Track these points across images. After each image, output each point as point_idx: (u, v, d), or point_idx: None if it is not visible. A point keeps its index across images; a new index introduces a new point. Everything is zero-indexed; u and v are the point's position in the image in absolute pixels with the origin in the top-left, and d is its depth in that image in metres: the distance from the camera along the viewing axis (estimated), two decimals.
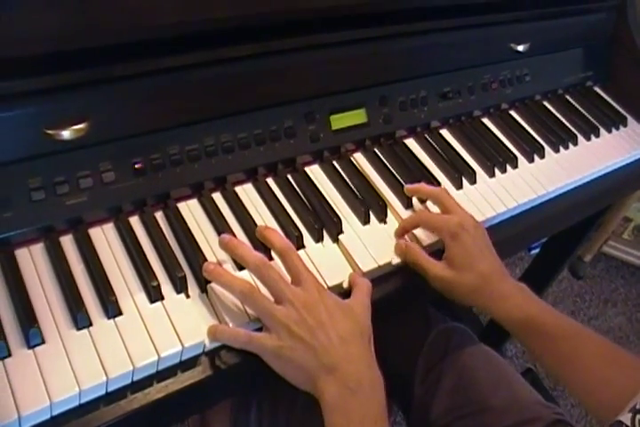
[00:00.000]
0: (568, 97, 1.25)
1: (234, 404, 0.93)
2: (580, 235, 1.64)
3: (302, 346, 0.66)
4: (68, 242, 0.71)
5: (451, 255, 0.81)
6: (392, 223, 0.87)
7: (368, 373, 0.68)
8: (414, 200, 0.90)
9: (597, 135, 1.19)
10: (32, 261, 0.69)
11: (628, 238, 2.31)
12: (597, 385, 0.74)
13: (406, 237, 0.86)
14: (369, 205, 0.87)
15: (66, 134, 0.66)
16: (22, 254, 0.69)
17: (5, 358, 0.60)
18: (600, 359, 0.75)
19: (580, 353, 0.76)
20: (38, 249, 0.70)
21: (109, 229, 0.74)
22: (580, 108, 1.23)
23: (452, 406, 0.94)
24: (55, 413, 0.60)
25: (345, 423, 0.65)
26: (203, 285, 0.72)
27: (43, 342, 0.63)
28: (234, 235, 0.77)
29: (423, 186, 0.89)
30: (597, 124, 1.21)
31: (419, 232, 0.86)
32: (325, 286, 0.75)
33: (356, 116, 0.92)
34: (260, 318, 0.69)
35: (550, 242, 1.76)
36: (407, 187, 0.90)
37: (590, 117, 1.22)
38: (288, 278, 0.71)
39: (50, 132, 0.65)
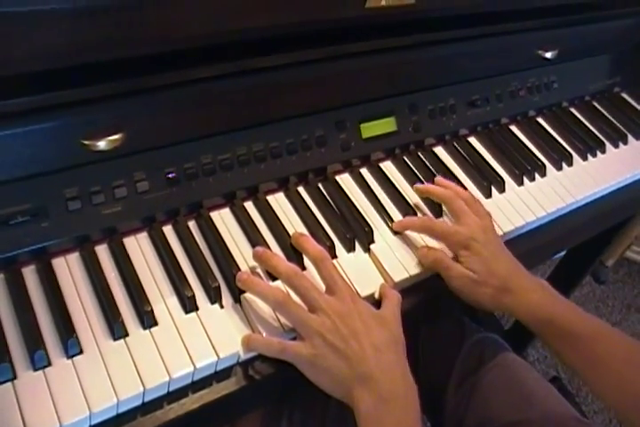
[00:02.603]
0: (595, 103, 1.24)
1: (264, 415, 0.92)
2: (605, 240, 1.63)
3: (336, 355, 0.66)
4: (103, 251, 0.72)
5: (466, 264, 0.80)
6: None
7: (402, 382, 0.68)
8: (444, 209, 0.90)
9: (625, 143, 1.19)
10: (68, 270, 0.69)
11: None
12: (624, 387, 0.73)
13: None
14: (400, 215, 0.87)
15: (102, 145, 0.66)
16: (59, 264, 0.69)
17: (45, 367, 0.61)
18: (627, 360, 0.74)
19: (607, 354, 0.75)
20: (74, 258, 0.70)
21: (143, 238, 0.74)
22: (607, 115, 1.22)
23: (485, 418, 0.91)
24: (94, 422, 0.61)
25: None
26: (236, 294, 0.72)
27: (81, 352, 0.63)
28: (266, 244, 0.77)
29: (434, 187, 0.89)
30: (625, 132, 1.20)
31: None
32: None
33: (386, 125, 0.92)
34: (293, 328, 0.69)
35: (573, 248, 1.74)
36: (417, 186, 0.90)
37: (618, 124, 1.21)
38: (322, 287, 0.71)
39: (87, 142, 0.65)
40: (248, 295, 0.71)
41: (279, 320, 0.71)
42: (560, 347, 0.78)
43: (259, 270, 0.75)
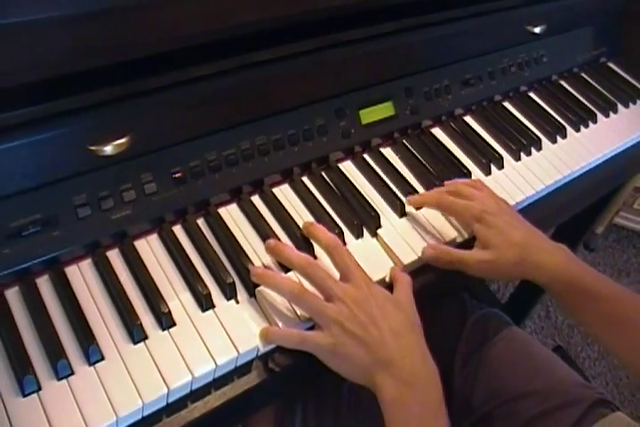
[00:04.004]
0: (584, 75, 1.24)
1: (278, 408, 0.92)
2: (596, 210, 1.64)
3: (356, 342, 0.66)
4: (115, 256, 0.71)
5: (483, 238, 0.80)
6: (428, 213, 0.86)
7: (423, 365, 0.68)
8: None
9: (615, 111, 1.20)
10: (82, 277, 0.69)
11: (638, 208, 2.30)
12: None
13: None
14: (404, 197, 0.87)
15: (109, 150, 0.66)
16: (72, 272, 0.69)
17: (69, 376, 0.61)
18: None
19: (629, 314, 0.76)
20: (87, 265, 0.70)
21: (154, 239, 0.74)
22: (596, 86, 1.23)
23: (493, 392, 0.93)
24: None
25: (405, 418, 0.64)
26: (251, 289, 0.72)
27: (102, 358, 0.63)
28: (275, 236, 0.77)
29: (424, 196, 0.87)
30: (615, 101, 1.21)
31: (442, 229, 0.85)
32: None
33: (385, 109, 0.91)
34: (310, 318, 0.69)
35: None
36: (408, 200, 0.87)
37: (607, 94, 1.22)
38: (335, 275, 0.71)
39: (93, 148, 0.65)
40: (262, 288, 0.71)
41: (295, 311, 0.70)
42: (581, 308, 0.79)
43: (270, 263, 0.75)
